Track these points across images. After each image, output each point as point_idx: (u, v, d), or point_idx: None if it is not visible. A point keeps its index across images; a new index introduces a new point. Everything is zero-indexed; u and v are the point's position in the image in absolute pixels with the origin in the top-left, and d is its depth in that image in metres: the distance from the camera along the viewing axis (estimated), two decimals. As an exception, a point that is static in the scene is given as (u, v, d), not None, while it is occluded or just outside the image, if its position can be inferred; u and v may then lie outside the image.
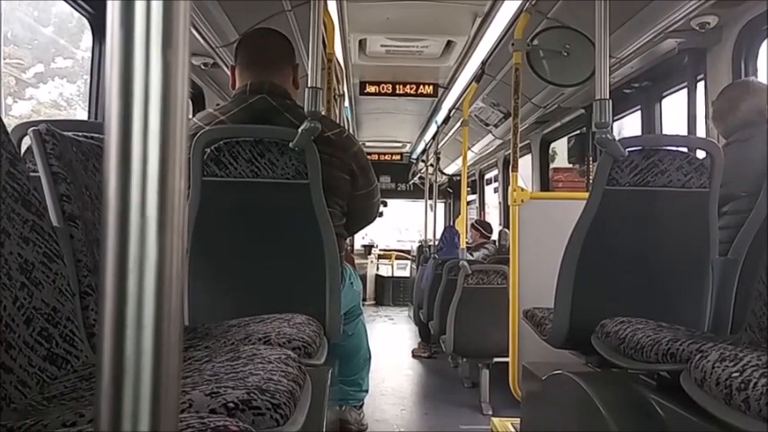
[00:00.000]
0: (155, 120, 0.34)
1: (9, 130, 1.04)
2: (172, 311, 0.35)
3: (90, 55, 2.49)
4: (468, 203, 8.04)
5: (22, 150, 1.35)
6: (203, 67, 3.42)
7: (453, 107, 5.28)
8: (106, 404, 0.33)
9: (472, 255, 5.21)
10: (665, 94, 3.58)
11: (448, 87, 5.08)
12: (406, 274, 9.85)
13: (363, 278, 9.27)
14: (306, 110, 1.70)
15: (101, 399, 0.34)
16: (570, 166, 5.03)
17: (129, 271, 0.34)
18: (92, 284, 1.16)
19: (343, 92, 4.65)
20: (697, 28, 2.68)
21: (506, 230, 5.55)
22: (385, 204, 9.03)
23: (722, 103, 2.32)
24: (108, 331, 0.34)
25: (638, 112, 3.76)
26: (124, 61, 0.34)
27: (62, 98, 3.56)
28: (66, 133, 1.28)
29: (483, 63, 3.98)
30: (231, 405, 0.77)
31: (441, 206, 10.08)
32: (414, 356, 5.39)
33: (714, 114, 2.37)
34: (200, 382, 0.85)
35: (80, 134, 1.37)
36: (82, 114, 3.55)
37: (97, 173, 1.32)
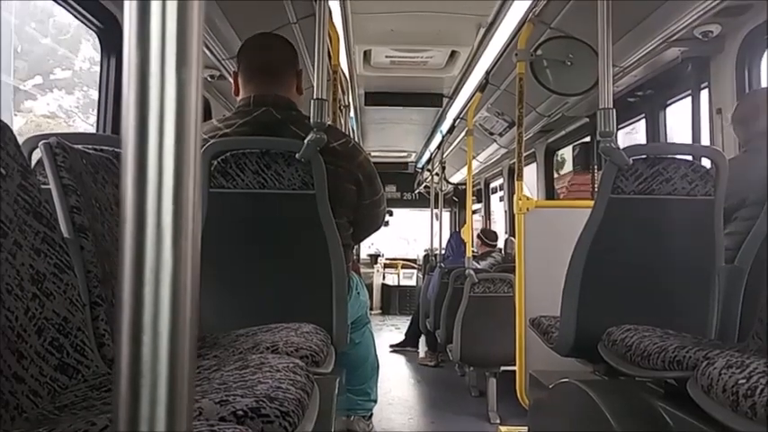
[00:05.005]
0: (170, 135, 0.35)
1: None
2: (187, 319, 0.36)
3: (88, 65, 2.51)
4: (474, 212, 8.04)
5: (33, 163, 1.37)
6: (210, 80, 3.45)
7: (458, 117, 5.29)
8: (123, 409, 0.35)
9: (479, 263, 5.22)
10: (668, 102, 3.59)
11: (452, 97, 5.09)
12: (413, 283, 9.84)
13: (369, 287, 9.26)
14: (312, 121, 1.71)
15: (118, 404, 0.35)
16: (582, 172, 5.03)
17: (146, 281, 0.35)
18: (102, 295, 1.17)
19: (349, 102, 4.68)
20: (700, 37, 2.69)
21: (512, 239, 5.56)
22: (391, 214, 9.03)
23: (747, 108, 2.28)
24: (125, 338, 0.35)
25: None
26: (140, 79, 0.35)
27: (61, 110, 3.58)
28: (75, 146, 1.29)
29: (487, 73, 4.00)
30: (240, 413, 0.78)
31: (446, 215, 10.08)
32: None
33: (737, 118, 2.33)
34: (209, 391, 0.86)
35: (89, 146, 1.39)
36: (81, 125, 3.57)
37: (106, 185, 1.34)
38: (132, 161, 0.35)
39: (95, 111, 2.56)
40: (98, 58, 2.56)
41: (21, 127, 3.17)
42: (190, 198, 0.36)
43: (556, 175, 5.62)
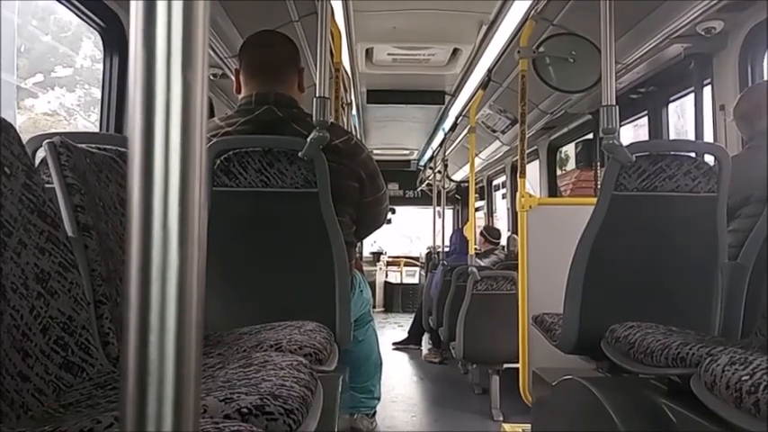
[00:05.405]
0: (176, 136, 0.36)
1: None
2: (193, 317, 0.36)
3: (89, 63, 2.51)
4: (477, 210, 8.04)
5: (37, 162, 1.37)
6: (212, 78, 3.45)
7: (460, 114, 5.29)
8: (131, 407, 0.35)
9: (482, 261, 5.22)
10: (671, 99, 3.58)
11: (455, 95, 5.09)
12: (415, 280, 9.85)
13: (372, 285, 9.27)
14: (314, 119, 1.71)
15: (125, 401, 0.35)
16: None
17: (153, 279, 0.35)
18: (106, 293, 1.18)
19: (351, 100, 4.68)
20: (703, 33, 2.69)
21: (515, 236, 5.56)
22: (393, 212, 9.03)
23: (749, 104, 2.25)
24: (132, 337, 0.35)
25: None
26: (146, 81, 0.35)
27: (62, 108, 3.58)
28: (79, 145, 1.30)
29: (489, 70, 3.99)
30: (245, 410, 0.78)
31: (449, 213, 10.08)
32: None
33: (740, 115, 2.31)
34: (213, 389, 0.86)
35: (93, 146, 1.39)
36: (83, 123, 3.57)
37: (110, 184, 1.35)
38: (139, 162, 0.36)
39: (96, 109, 2.57)
40: (99, 55, 2.56)
41: (19, 125, 3.17)
42: (196, 198, 0.37)
43: (559, 172, 5.62)
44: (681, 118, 3.77)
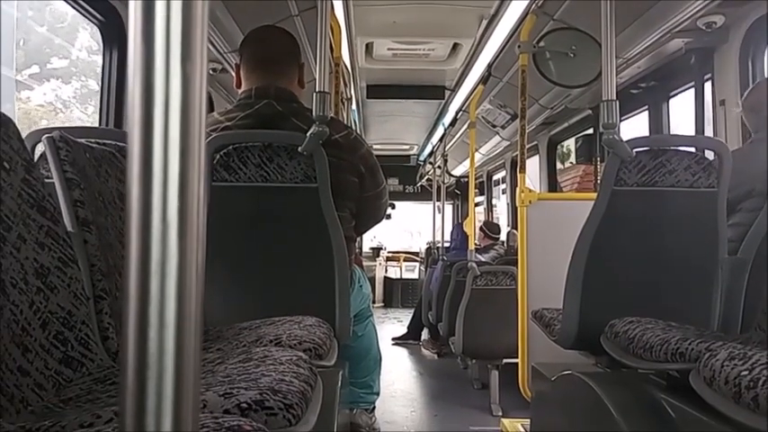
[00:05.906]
0: (175, 130, 0.36)
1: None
2: (193, 312, 0.36)
3: (86, 55, 2.50)
4: (477, 205, 8.03)
5: (36, 157, 1.37)
6: (212, 73, 3.44)
7: (460, 109, 5.28)
8: (130, 401, 0.35)
9: (481, 256, 5.23)
10: (672, 94, 3.57)
11: (455, 89, 5.08)
12: (415, 276, 9.86)
13: (372, 280, 9.28)
14: (314, 114, 1.71)
15: (125, 396, 0.35)
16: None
17: (152, 273, 0.35)
18: (105, 288, 1.18)
19: (351, 95, 4.67)
20: (704, 28, 2.68)
21: (515, 232, 5.56)
22: (393, 207, 9.03)
23: (758, 96, 2.24)
24: (131, 331, 0.35)
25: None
26: (145, 75, 0.35)
27: (58, 100, 3.55)
28: (78, 140, 1.30)
29: (489, 65, 3.98)
30: (244, 405, 0.78)
31: (449, 208, 10.08)
32: (423, 349, 5.47)
33: (749, 106, 2.29)
34: (213, 384, 0.86)
35: (92, 140, 1.39)
36: (78, 115, 3.56)
37: (110, 178, 1.34)
38: (138, 156, 0.36)
39: (93, 101, 2.56)
40: (96, 47, 2.55)
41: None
42: (195, 192, 0.37)
43: (561, 167, 5.61)
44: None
